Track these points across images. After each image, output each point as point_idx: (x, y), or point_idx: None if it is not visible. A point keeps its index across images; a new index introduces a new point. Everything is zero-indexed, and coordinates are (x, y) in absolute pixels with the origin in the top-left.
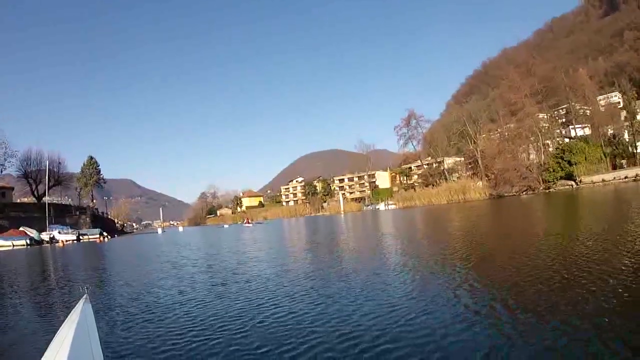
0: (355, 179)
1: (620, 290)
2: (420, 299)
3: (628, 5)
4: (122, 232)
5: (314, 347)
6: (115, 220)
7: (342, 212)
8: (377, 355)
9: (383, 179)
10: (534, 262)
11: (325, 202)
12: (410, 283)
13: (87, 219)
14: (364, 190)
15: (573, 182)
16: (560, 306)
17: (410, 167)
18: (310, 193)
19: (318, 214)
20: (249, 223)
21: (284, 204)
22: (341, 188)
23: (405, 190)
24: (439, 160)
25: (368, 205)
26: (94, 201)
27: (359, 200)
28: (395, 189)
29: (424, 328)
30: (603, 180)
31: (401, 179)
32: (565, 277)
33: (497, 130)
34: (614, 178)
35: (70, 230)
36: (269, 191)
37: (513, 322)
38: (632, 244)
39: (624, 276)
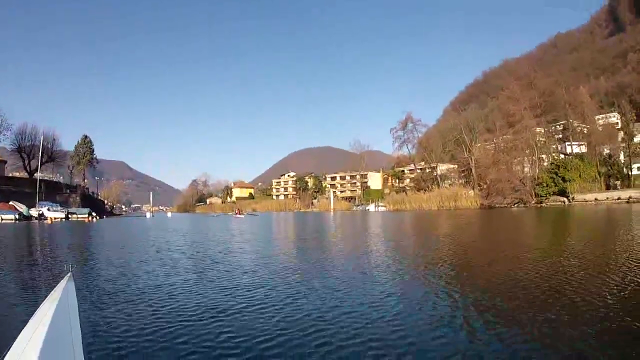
0: (347, 178)
1: (578, 304)
2: (393, 300)
3: (634, 27)
4: (111, 213)
5: (280, 337)
6: (105, 202)
7: (332, 210)
8: (339, 350)
9: (375, 180)
10: (509, 274)
11: (315, 198)
12: (387, 284)
13: (77, 198)
14: (355, 190)
15: (565, 199)
16: (521, 316)
17: (403, 170)
18: (301, 188)
19: (308, 209)
20: (239, 214)
21: (274, 197)
22: (332, 186)
23: (397, 193)
24: (432, 165)
25: (358, 205)
26: (85, 180)
27: (350, 199)
28: (386, 191)
29: (393, 327)
30: (596, 200)
31: (393, 181)
32: (531, 291)
33: (493, 141)
34: (607, 198)
35: (59, 208)
36: (260, 183)
37: (478, 329)
38: (610, 264)
39: (591, 295)
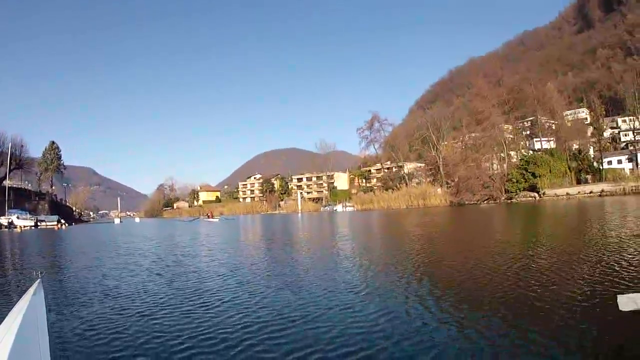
0: (314, 179)
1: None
2: (353, 298)
3: (603, 23)
4: (79, 220)
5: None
6: (73, 208)
7: (300, 212)
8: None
9: (341, 181)
10: (465, 270)
11: (282, 200)
12: (348, 283)
13: (46, 205)
14: (322, 191)
15: (536, 194)
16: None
17: (369, 170)
18: (267, 190)
19: (275, 211)
20: (211, 217)
21: (241, 200)
22: (299, 187)
23: (365, 192)
24: (399, 164)
25: (326, 206)
26: (53, 187)
27: (317, 200)
28: (353, 191)
29: (349, 323)
30: (567, 194)
31: (360, 181)
32: (486, 288)
33: (461, 139)
34: (579, 192)
35: (28, 216)
36: (226, 186)
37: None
38: (565, 258)
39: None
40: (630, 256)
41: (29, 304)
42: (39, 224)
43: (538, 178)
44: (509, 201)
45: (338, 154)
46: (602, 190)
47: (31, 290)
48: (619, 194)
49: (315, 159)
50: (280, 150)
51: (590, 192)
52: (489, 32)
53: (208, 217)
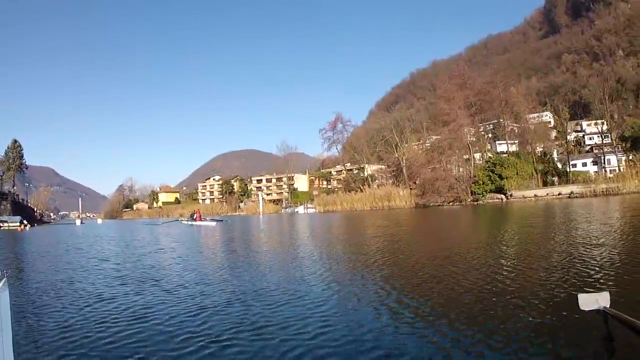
0: (274, 180)
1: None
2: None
3: (570, 29)
4: (41, 221)
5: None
6: (35, 209)
7: (261, 213)
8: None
9: (301, 182)
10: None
11: (242, 202)
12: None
13: (8, 205)
14: (282, 192)
15: (503, 196)
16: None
17: (330, 172)
18: (227, 192)
19: (235, 213)
20: (199, 220)
21: (201, 201)
22: (259, 189)
23: (327, 194)
24: (361, 166)
25: (286, 208)
26: (15, 187)
27: (277, 202)
28: (315, 192)
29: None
30: (535, 196)
31: (320, 183)
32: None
33: (425, 140)
34: (547, 194)
35: None
36: (185, 187)
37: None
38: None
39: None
40: (591, 257)
41: None
42: (1, 224)
43: (505, 180)
44: (475, 203)
45: (297, 155)
46: (572, 192)
47: None
48: (589, 196)
49: (274, 160)
50: (239, 151)
51: (559, 194)
52: (453, 36)
53: (195, 219)
